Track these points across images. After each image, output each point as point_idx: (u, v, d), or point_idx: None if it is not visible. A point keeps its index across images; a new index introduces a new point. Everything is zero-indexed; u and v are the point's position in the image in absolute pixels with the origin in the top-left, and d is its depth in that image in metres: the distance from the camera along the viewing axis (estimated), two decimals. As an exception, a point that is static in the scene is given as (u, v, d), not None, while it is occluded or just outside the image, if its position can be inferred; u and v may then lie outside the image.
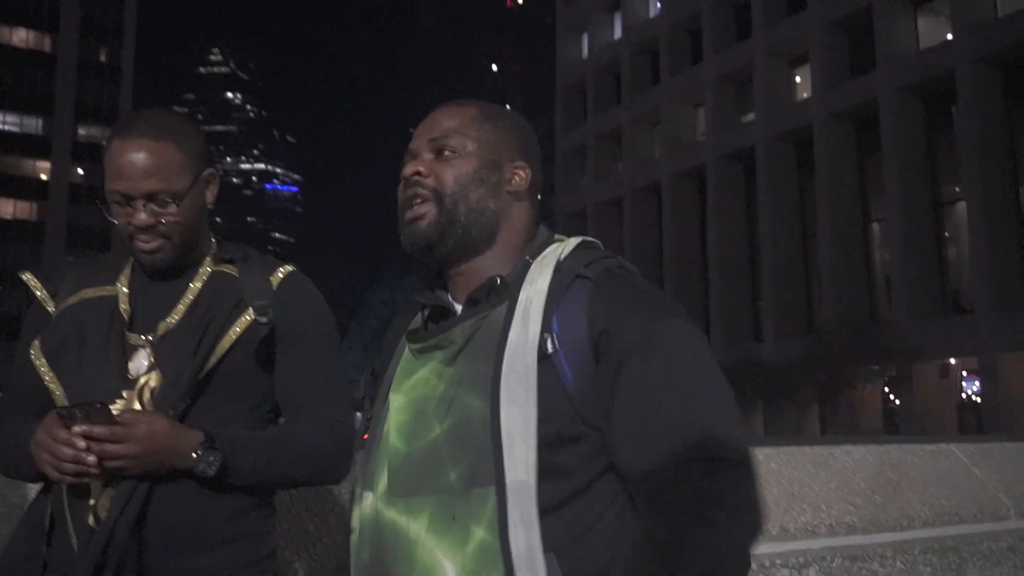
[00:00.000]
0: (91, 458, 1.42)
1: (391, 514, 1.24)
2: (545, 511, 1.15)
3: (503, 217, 1.33)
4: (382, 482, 1.27)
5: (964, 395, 28.70)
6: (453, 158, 1.32)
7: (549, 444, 1.17)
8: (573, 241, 1.33)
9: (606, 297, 1.22)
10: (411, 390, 1.31)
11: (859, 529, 3.72)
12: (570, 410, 1.19)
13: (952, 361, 28.77)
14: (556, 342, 1.20)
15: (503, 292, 1.28)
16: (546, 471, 1.16)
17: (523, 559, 1.12)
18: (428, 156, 1.34)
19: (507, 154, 1.35)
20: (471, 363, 1.24)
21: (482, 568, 1.14)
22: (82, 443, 1.42)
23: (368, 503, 1.29)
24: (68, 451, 1.42)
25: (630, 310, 1.21)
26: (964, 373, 28.69)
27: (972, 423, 27.21)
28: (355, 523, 1.32)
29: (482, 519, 1.15)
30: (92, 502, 1.50)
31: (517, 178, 1.35)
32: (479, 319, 1.27)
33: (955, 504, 4.07)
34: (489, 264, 1.32)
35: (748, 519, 1.12)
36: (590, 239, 1.36)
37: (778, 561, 3.20)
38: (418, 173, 1.32)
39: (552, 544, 1.14)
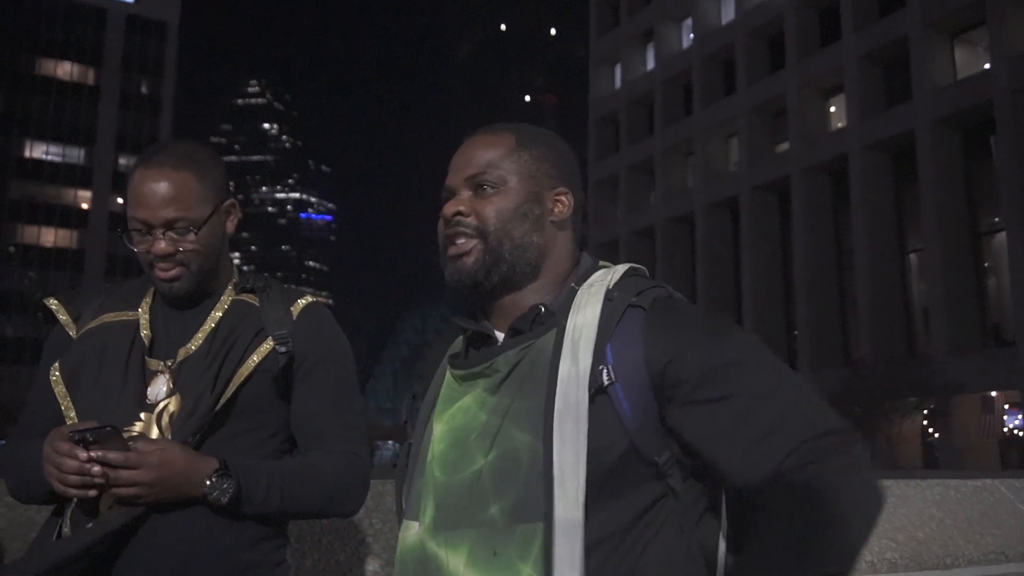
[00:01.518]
0: (96, 468, 1.43)
1: (432, 546, 1.21)
2: (592, 545, 1.12)
3: (547, 249, 1.31)
4: (429, 513, 1.24)
5: (1006, 429, 28.07)
6: (493, 194, 1.30)
7: (601, 478, 1.15)
8: (620, 269, 1.30)
9: (661, 326, 1.20)
10: (452, 418, 1.28)
11: (901, 566, 3.63)
12: (625, 442, 1.17)
13: (993, 394, 28.19)
14: (612, 374, 1.17)
15: (548, 320, 1.25)
16: (595, 506, 1.13)
17: None
18: (467, 193, 1.31)
19: (547, 182, 1.33)
20: (517, 394, 1.22)
21: None
22: (84, 455, 1.42)
23: (412, 533, 1.26)
24: (72, 463, 1.43)
25: (691, 337, 1.19)
26: (1006, 407, 28.09)
27: (1015, 458, 26.58)
28: (398, 553, 1.29)
29: (528, 556, 1.12)
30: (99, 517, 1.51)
31: (559, 207, 1.33)
32: (524, 348, 1.24)
33: (1001, 542, 3.96)
34: (531, 296, 1.30)
35: (866, 473, 1.13)
36: (637, 266, 1.33)
37: (817, 599, 3.12)
38: (459, 213, 1.30)
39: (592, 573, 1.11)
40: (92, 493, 1.46)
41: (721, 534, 1.24)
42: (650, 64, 45.27)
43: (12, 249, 65.64)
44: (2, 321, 64.54)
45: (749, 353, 1.19)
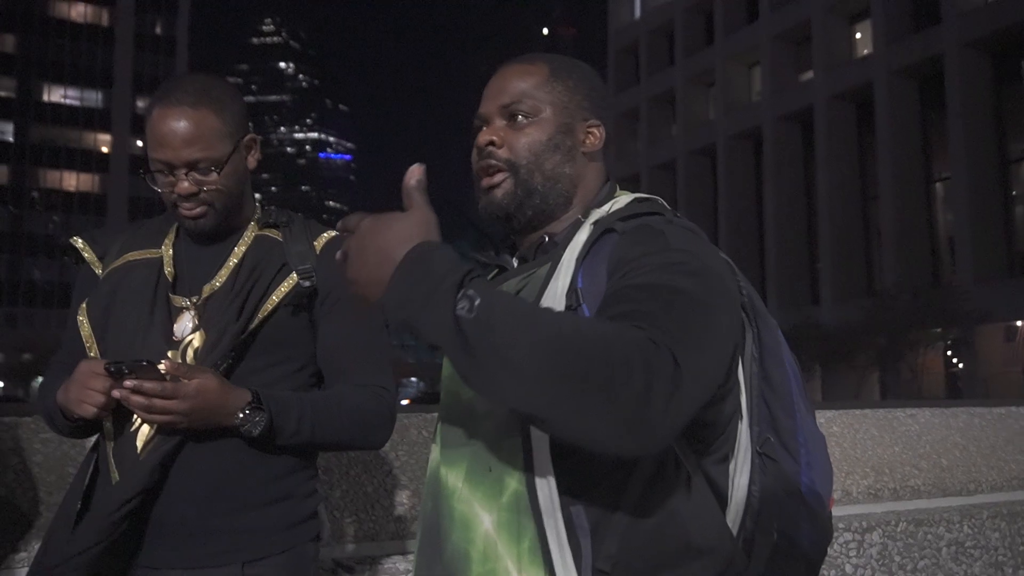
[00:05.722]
0: (136, 398, 1.45)
1: (437, 465, 1.28)
2: (561, 456, 1.12)
3: (579, 180, 1.32)
4: (439, 436, 1.31)
5: (1030, 359, 27.95)
6: (526, 125, 1.29)
7: None
8: (624, 198, 1.30)
9: (625, 247, 1.17)
10: None
11: (924, 493, 3.65)
12: None
13: (1018, 324, 28.00)
14: (580, 297, 1.17)
15: (551, 250, 1.27)
16: None
17: (548, 507, 1.11)
18: (500, 122, 1.31)
19: (580, 114, 1.32)
20: None
21: (515, 518, 1.14)
22: (117, 384, 1.45)
23: (434, 455, 1.32)
24: (100, 397, 1.47)
25: (637, 251, 1.14)
26: (1031, 336, 27.93)
27: (1039, 387, 26.51)
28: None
29: (514, 470, 1.15)
30: (138, 451, 1.54)
31: (591, 139, 1.33)
32: (525, 276, 1.26)
33: (1025, 468, 3.96)
34: (563, 226, 1.30)
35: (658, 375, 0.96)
36: (647, 196, 1.32)
37: (840, 525, 3.15)
38: (492, 143, 1.30)
39: (567, 487, 1.12)
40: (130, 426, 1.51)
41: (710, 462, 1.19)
42: (670, -8, 44.29)
43: (36, 194, 66.10)
44: (29, 265, 65.36)
45: (673, 267, 1.11)
